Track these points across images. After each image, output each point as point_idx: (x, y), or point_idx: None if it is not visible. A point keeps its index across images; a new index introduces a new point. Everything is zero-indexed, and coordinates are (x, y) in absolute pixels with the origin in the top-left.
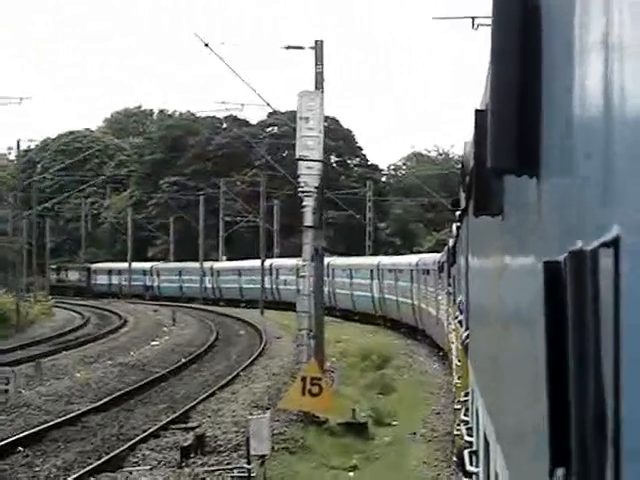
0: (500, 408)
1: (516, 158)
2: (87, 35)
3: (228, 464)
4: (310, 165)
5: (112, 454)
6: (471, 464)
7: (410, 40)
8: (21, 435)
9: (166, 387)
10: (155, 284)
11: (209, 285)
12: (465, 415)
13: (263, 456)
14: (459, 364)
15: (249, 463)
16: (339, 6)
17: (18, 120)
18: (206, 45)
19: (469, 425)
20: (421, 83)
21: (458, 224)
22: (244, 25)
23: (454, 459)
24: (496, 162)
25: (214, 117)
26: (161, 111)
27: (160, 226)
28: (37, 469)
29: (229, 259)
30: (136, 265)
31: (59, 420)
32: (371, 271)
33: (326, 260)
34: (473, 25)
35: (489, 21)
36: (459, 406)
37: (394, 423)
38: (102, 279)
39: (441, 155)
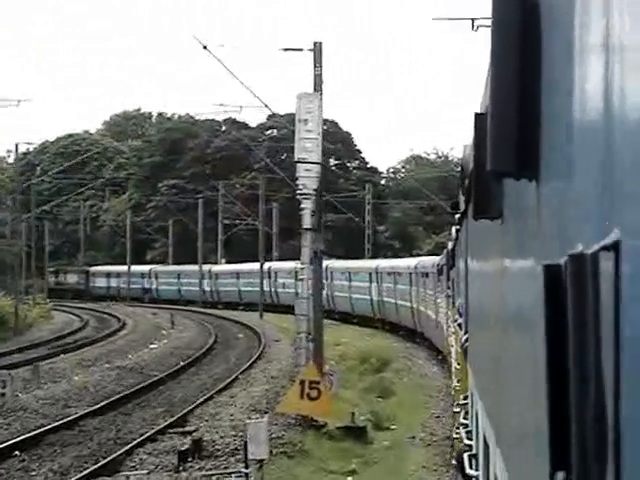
0: (500, 411)
1: (516, 161)
2: (87, 35)
3: (226, 468)
4: (309, 167)
5: (109, 458)
6: (471, 467)
7: (409, 42)
8: (17, 439)
9: (164, 390)
10: (153, 287)
11: (207, 288)
12: (464, 418)
13: (261, 460)
14: (458, 367)
15: (247, 467)
16: (338, 7)
17: (16, 122)
18: (204, 47)
19: (469, 428)
20: (420, 85)
21: (457, 227)
22: (243, 26)
23: (454, 462)
24: (496, 165)
25: (213, 120)
26: (160, 114)
27: (159, 229)
28: (33, 473)
29: (228, 262)
30: (135, 268)
31: (56, 424)
32: (370, 274)
33: (325, 263)
34: (473, 26)
35: (489, 22)
36: (458, 409)
37: (393, 427)
38: (100, 282)
39: (440, 158)
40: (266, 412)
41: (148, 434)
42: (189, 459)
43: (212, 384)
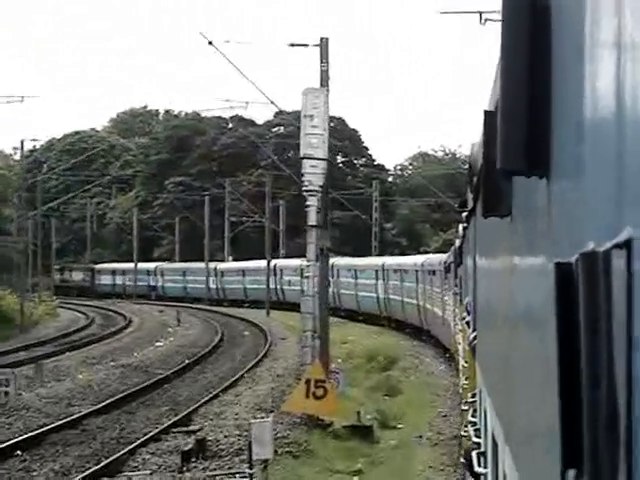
0: (509, 409)
1: (526, 159)
2: (87, 35)
3: (230, 469)
4: (314, 164)
5: (111, 458)
6: (479, 465)
7: (414, 38)
8: (19, 438)
9: (169, 389)
10: (159, 284)
11: (213, 285)
12: (473, 416)
13: (265, 461)
14: (466, 365)
15: (251, 468)
16: (340, 4)
17: (19, 119)
18: (210, 43)
19: (477, 426)
20: (427, 82)
21: (464, 225)
22: (244, 25)
23: (462, 460)
24: (506, 163)
25: (220, 117)
26: (167, 111)
27: (166, 226)
28: (34, 474)
29: (235, 259)
30: (140, 265)
31: (58, 423)
32: (376, 271)
33: (330, 260)
34: (481, 20)
35: (497, 16)
36: (466, 407)
37: (400, 426)
38: (106, 279)
39: (447, 155)
40: (271, 411)
41: (152, 433)
42: (192, 459)
43: (217, 382)
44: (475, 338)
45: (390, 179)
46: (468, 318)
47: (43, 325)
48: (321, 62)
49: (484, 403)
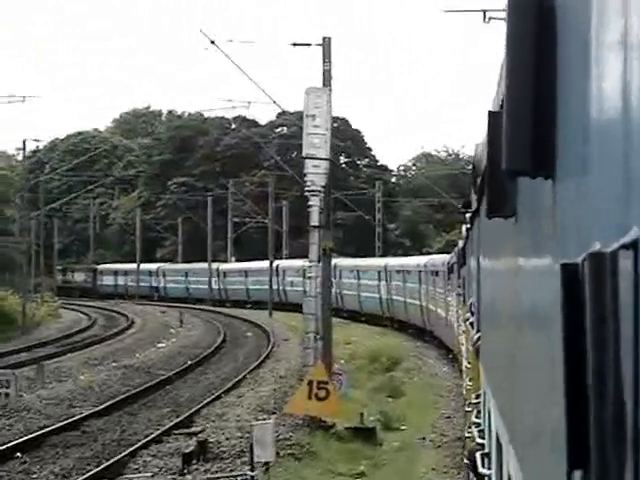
0: (514, 410)
1: (531, 160)
2: (87, 35)
3: (231, 471)
4: (317, 164)
5: (112, 460)
6: (483, 466)
7: (415, 36)
8: (20, 440)
9: (171, 390)
10: (161, 285)
11: (215, 286)
12: (476, 417)
13: (267, 463)
14: (469, 366)
15: (253, 470)
16: (341, 4)
17: (21, 119)
18: (212, 42)
19: (481, 427)
20: (428, 80)
21: (468, 226)
22: (244, 26)
23: (465, 461)
24: (511, 164)
25: (223, 118)
26: (170, 112)
27: (168, 227)
28: (35, 476)
29: (238, 260)
30: (143, 266)
31: (59, 425)
32: (379, 272)
33: (333, 261)
34: (484, 18)
35: (501, 14)
36: (470, 408)
37: (403, 427)
38: (108, 280)
39: (451, 155)
40: (274, 413)
41: (153, 435)
42: (194, 461)
43: (220, 384)
44: (479, 339)
45: (393, 180)
46: (472, 319)
47: (45, 326)
48: (324, 61)
49: (488, 404)
